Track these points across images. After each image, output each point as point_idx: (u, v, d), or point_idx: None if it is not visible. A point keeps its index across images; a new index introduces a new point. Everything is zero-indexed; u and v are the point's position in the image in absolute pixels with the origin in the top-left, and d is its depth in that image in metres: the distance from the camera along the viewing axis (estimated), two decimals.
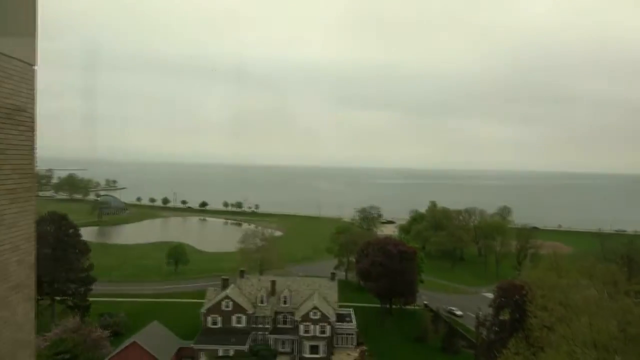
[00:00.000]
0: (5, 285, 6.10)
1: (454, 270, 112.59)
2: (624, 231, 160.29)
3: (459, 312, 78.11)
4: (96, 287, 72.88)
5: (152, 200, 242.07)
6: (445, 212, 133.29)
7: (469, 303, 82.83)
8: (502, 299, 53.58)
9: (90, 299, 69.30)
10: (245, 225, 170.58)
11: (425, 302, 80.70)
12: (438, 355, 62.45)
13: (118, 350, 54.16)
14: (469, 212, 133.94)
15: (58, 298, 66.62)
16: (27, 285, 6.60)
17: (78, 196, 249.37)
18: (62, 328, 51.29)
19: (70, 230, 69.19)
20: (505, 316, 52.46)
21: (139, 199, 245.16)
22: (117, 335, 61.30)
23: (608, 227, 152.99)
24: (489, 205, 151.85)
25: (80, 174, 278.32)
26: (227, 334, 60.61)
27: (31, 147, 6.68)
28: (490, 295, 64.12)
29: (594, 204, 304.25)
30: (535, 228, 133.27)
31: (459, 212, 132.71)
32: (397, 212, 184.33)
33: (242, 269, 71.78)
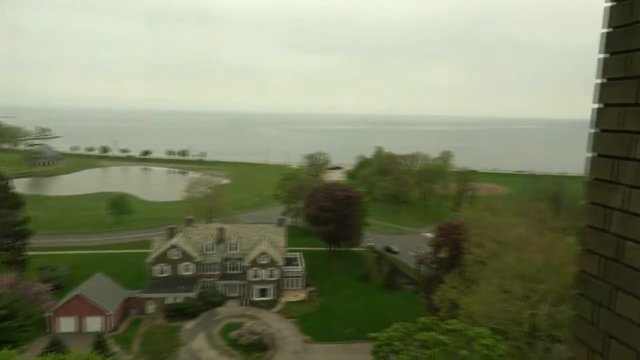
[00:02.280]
0: None
1: (398, 213, 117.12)
2: (554, 173, 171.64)
3: (396, 249, 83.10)
4: (35, 241, 69.83)
5: (90, 149, 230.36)
6: (391, 157, 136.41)
7: (410, 243, 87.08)
8: (441, 238, 56.56)
9: (29, 253, 66.48)
10: (191, 174, 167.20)
11: (370, 244, 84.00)
12: (380, 292, 65.93)
13: (61, 303, 52.96)
14: (413, 157, 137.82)
15: None
16: None
17: (6, 146, 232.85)
18: None
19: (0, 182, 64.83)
20: (443, 254, 55.63)
21: (75, 148, 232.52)
22: (59, 288, 59.57)
23: (540, 169, 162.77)
24: (433, 150, 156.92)
25: (8, 122, 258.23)
26: (175, 282, 60.60)
27: None
28: (431, 235, 67.65)
29: (529, 147, 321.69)
30: (474, 171, 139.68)
31: (404, 157, 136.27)
32: (344, 158, 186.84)
33: (189, 217, 70.93)
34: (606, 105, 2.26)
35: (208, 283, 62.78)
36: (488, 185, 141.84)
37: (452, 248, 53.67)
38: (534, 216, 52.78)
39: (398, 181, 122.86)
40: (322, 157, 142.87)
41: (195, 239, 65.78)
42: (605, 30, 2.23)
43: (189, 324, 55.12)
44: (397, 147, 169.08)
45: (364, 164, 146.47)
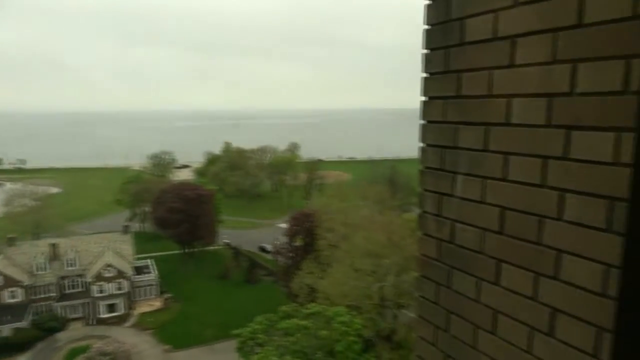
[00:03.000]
0: None
1: (252, 207, 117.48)
2: (389, 157, 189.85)
3: (269, 247, 76.57)
4: None
5: None
6: (240, 152, 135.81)
7: (267, 235, 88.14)
8: (295, 227, 58.39)
9: None
10: (8, 185, 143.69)
11: (226, 241, 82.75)
12: (240, 288, 65.61)
13: None
14: (262, 150, 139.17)
15: None
16: None
17: None
18: None
19: None
20: (298, 242, 57.56)
21: None
22: None
23: (377, 155, 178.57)
24: (281, 142, 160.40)
25: None
26: None
27: None
28: (285, 225, 69.30)
29: (367, 135, 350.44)
30: (320, 160, 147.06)
31: (253, 151, 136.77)
32: (191, 156, 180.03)
33: (10, 235, 60.98)
34: (430, 98, 2.42)
35: (43, 307, 55.02)
36: (334, 173, 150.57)
37: (306, 235, 55.76)
38: (375, 198, 57.79)
39: (249, 175, 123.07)
40: (167, 156, 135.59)
41: (21, 260, 56.87)
42: (426, 27, 2.38)
43: (22, 359, 47.71)
44: (247, 141, 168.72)
45: (213, 160, 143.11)
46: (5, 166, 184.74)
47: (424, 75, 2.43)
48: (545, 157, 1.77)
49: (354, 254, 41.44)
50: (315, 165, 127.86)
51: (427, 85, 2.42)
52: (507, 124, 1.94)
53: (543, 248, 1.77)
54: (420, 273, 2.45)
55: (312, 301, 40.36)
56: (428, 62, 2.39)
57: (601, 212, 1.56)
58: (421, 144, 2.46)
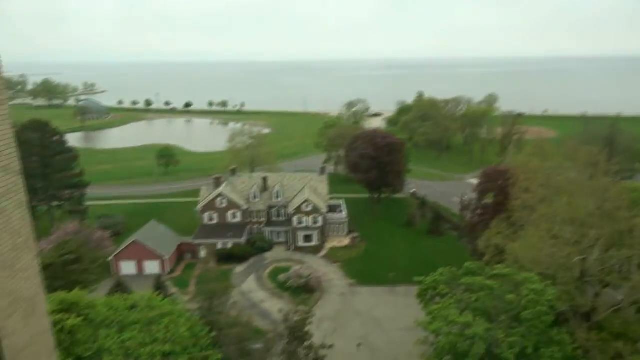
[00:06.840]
0: None
1: (441, 159, 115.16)
2: (609, 114, 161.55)
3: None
4: (91, 191, 74.23)
5: (135, 102, 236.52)
6: (432, 102, 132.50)
7: (454, 189, 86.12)
8: (486, 184, 55.49)
9: (87, 202, 70.82)
10: (232, 125, 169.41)
11: (413, 190, 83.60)
12: (424, 238, 66.32)
13: (120, 248, 56.64)
14: (456, 101, 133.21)
15: (55, 204, 67.79)
16: (16, 191, 6.46)
17: (57, 102, 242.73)
18: (62, 231, 52.72)
19: (55, 137, 68.10)
20: (488, 199, 54.74)
21: (120, 102, 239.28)
22: (117, 235, 63.66)
23: (593, 110, 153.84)
24: (477, 94, 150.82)
25: (56, 79, 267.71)
26: (224, 229, 63.16)
27: None
28: (475, 181, 66.37)
29: (581, 87, 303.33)
30: (520, 114, 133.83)
31: (446, 102, 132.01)
32: (383, 105, 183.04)
33: (233, 167, 72.66)
34: None
35: (255, 230, 65.11)
36: (535, 129, 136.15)
37: (497, 194, 52.65)
38: (585, 160, 50.52)
39: (440, 127, 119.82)
40: (361, 105, 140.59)
41: (240, 188, 67.63)
42: None
43: (239, 268, 57.87)
44: (440, 91, 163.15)
45: (404, 110, 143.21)
46: (230, 109, 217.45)
47: None
48: None
49: (554, 219, 37.60)
50: (514, 119, 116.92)
51: None
52: None
53: None
54: None
55: (499, 262, 38.56)
56: None
57: None
58: None
